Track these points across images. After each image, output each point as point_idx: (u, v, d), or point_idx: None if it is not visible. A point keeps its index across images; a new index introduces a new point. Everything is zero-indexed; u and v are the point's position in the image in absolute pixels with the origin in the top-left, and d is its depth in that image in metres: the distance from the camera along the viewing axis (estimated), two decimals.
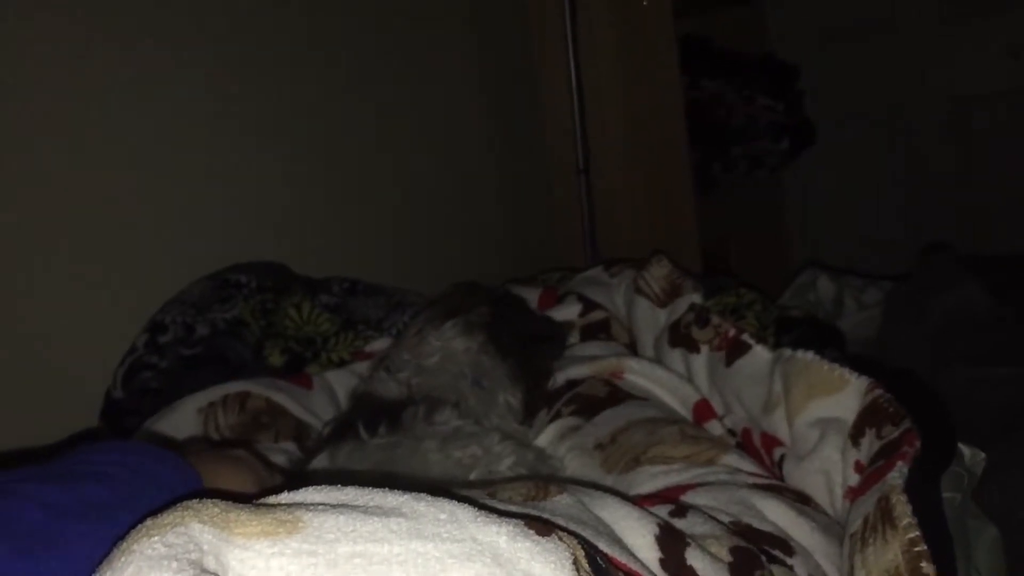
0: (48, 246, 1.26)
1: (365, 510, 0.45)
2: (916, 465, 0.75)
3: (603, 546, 0.57)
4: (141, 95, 1.38)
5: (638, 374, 1.20)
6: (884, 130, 2.82)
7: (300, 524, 0.42)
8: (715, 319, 1.18)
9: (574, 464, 1.05)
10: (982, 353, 1.24)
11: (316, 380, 1.30)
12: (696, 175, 2.24)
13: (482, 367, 1.18)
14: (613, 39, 2.17)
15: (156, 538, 0.37)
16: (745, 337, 1.11)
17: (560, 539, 0.48)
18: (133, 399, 1.23)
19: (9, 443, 1.11)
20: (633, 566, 0.58)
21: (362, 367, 1.33)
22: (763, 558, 0.71)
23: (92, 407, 1.25)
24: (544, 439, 1.14)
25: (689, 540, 0.67)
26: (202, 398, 1.16)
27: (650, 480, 0.95)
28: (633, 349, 1.34)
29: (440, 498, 0.48)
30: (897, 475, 0.74)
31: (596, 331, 1.37)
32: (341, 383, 1.32)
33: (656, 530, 0.66)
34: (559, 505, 0.64)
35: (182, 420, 1.13)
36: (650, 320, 1.31)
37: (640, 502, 0.75)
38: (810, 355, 0.98)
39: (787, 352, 1.02)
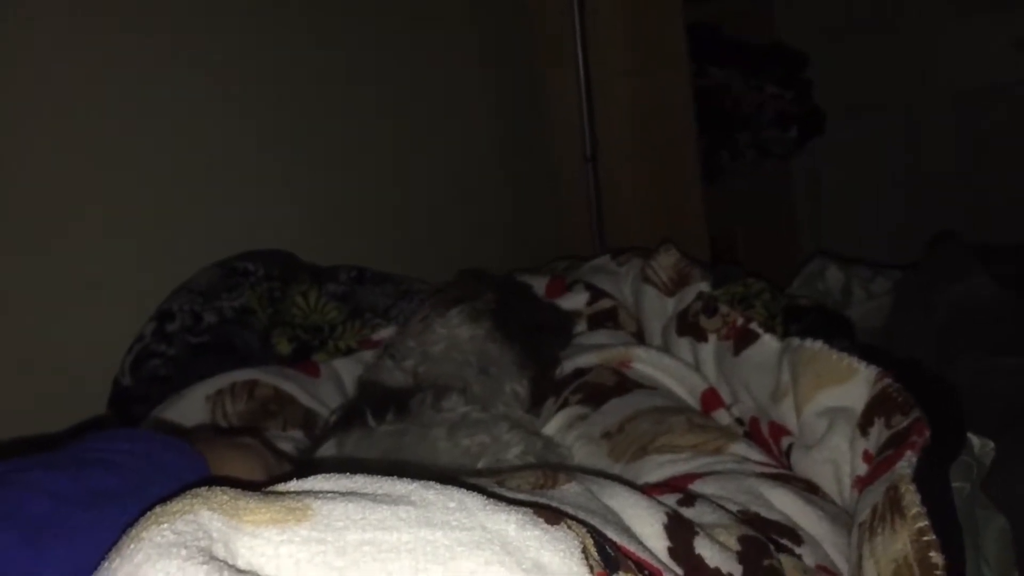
0: (56, 234, 1.26)
1: (374, 498, 0.44)
2: (925, 455, 0.75)
3: (611, 535, 0.57)
4: (149, 85, 1.37)
5: (646, 363, 1.20)
6: (891, 122, 2.81)
7: (309, 512, 0.42)
8: (723, 308, 1.18)
9: (581, 453, 1.05)
10: (991, 343, 1.24)
11: (323, 368, 1.30)
12: (703, 164, 2.23)
13: (488, 355, 1.18)
14: (621, 27, 2.16)
15: (165, 525, 0.37)
16: (753, 326, 1.11)
17: (569, 527, 0.48)
18: (141, 387, 1.23)
19: (17, 431, 1.11)
20: (642, 555, 0.58)
21: (369, 355, 1.33)
22: (771, 547, 0.71)
23: (100, 395, 1.25)
24: (551, 428, 1.14)
25: (697, 529, 0.67)
26: (210, 386, 1.16)
27: (657, 469, 0.95)
28: (640, 338, 1.34)
29: (449, 486, 0.48)
30: (906, 464, 0.73)
31: (603, 320, 1.37)
32: (348, 371, 1.32)
33: (664, 519, 0.66)
34: (568, 494, 0.64)
35: (190, 408, 1.14)
36: (658, 309, 1.31)
37: (648, 491, 0.75)
38: (819, 344, 0.98)
39: (795, 341, 1.02)
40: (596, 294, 1.40)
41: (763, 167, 2.53)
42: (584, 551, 0.47)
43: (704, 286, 1.24)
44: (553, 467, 0.80)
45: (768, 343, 1.07)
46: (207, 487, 0.42)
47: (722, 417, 1.11)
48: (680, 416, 1.04)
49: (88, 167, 1.30)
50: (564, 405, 1.16)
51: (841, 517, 0.84)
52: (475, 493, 0.48)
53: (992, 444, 0.91)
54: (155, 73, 1.38)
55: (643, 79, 2.17)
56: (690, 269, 1.30)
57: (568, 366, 1.24)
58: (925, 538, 0.66)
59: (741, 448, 0.97)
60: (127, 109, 1.35)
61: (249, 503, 0.41)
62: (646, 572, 0.52)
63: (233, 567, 0.37)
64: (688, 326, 1.21)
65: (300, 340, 1.35)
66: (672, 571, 0.60)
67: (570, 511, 0.56)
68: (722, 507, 0.77)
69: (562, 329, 1.33)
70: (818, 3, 2.87)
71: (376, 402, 1.08)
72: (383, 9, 1.79)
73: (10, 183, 1.21)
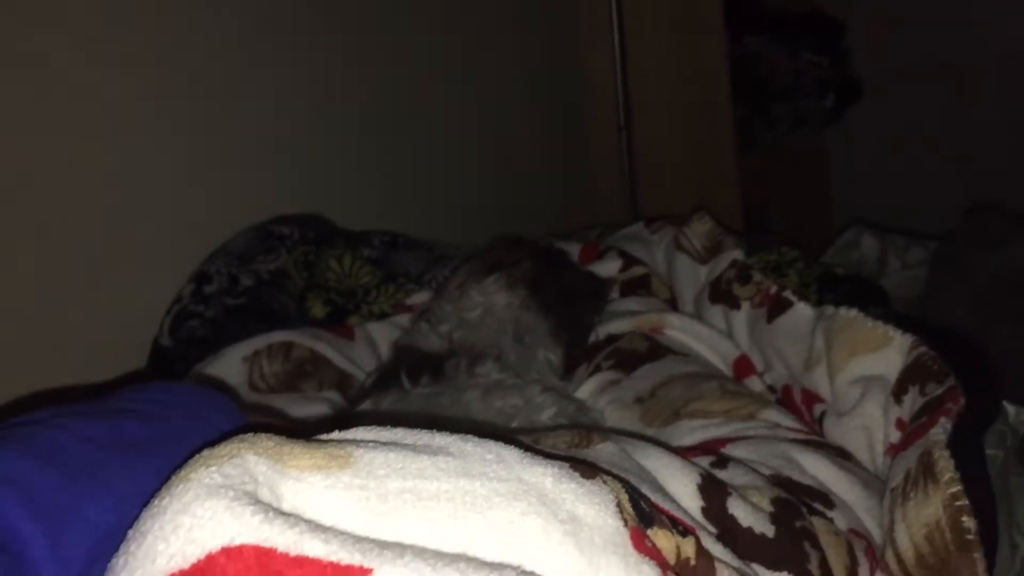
0: (98, 198, 1.28)
1: (414, 448, 0.45)
2: (960, 421, 0.75)
3: (646, 492, 0.57)
4: (180, 50, 1.38)
5: (679, 330, 1.20)
6: (932, 88, 2.76)
7: (351, 459, 0.43)
8: (757, 276, 1.17)
9: (613, 417, 1.06)
10: None
11: (358, 331, 1.31)
12: (738, 133, 2.21)
13: (523, 323, 1.19)
14: None
15: (214, 468, 0.39)
16: (787, 294, 1.10)
17: (604, 482, 0.49)
18: (179, 347, 1.25)
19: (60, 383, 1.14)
20: (676, 513, 0.58)
21: (403, 320, 1.34)
22: (804, 509, 0.71)
23: (141, 354, 1.28)
24: (583, 393, 1.15)
25: (731, 490, 0.67)
26: (247, 347, 1.18)
27: (689, 434, 0.95)
28: (673, 305, 1.34)
29: (487, 439, 0.48)
30: (940, 431, 0.73)
31: (636, 287, 1.37)
32: (382, 335, 1.33)
33: (698, 479, 0.67)
34: (602, 453, 0.65)
35: (227, 368, 1.15)
36: (691, 276, 1.31)
37: (681, 453, 0.75)
38: (853, 312, 0.98)
39: (830, 309, 1.01)
40: (629, 261, 1.40)
41: (799, 136, 2.50)
42: (619, 505, 0.48)
43: (738, 254, 1.24)
44: (587, 428, 0.80)
45: (802, 311, 1.07)
46: (252, 433, 0.43)
47: (754, 384, 1.11)
48: (712, 382, 1.04)
49: (126, 133, 1.32)
50: (596, 371, 1.16)
51: (873, 483, 0.84)
52: (512, 447, 0.48)
53: None
54: (187, 37, 1.39)
55: (678, 47, 2.16)
56: (723, 237, 1.29)
57: (601, 332, 1.24)
58: (958, 503, 0.66)
59: (773, 414, 0.97)
60: (160, 72, 1.36)
61: (293, 449, 0.42)
62: (680, 528, 0.52)
63: (278, 510, 0.38)
64: (721, 293, 1.21)
65: (334, 304, 1.37)
66: (706, 530, 0.61)
67: (605, 468, 0.57)
68: (755, 470, 0.77)
69: (597, 296, 1.33)
70: None
71: (411, 365, 1.09)
72: None
73: (50, 153, 1.23)
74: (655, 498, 0.58)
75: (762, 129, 2.33)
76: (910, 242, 1.59)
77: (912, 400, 0.85)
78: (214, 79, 1.43)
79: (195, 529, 0.36)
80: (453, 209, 1.88)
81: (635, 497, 0.51)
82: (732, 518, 0.65)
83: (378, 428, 0.48)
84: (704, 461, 0.76)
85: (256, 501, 0.38)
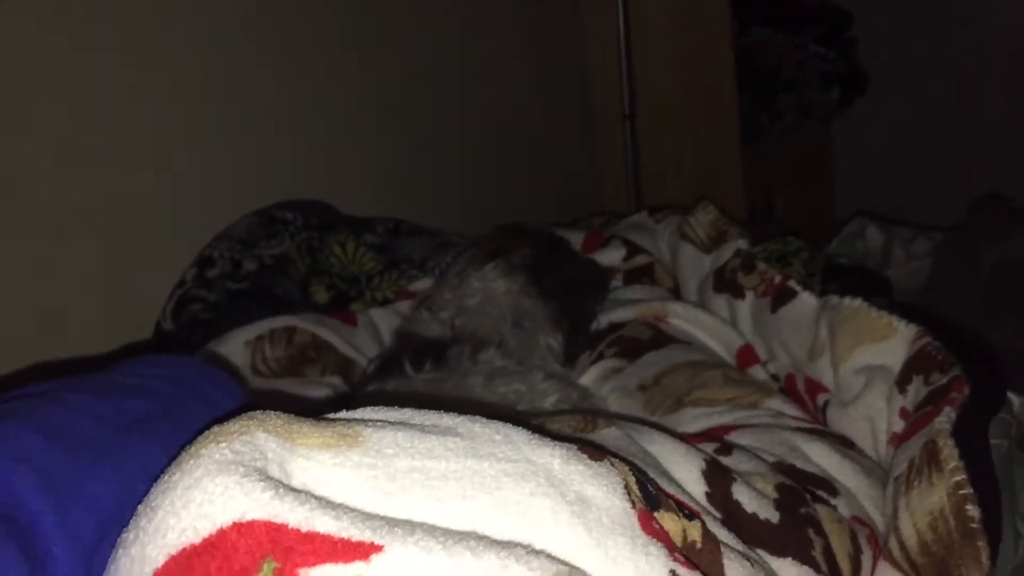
0: (99, 182, 1.28)
1: (422, 428, 0.45)
2: (964, 411, 0.75)
3: (651, 476, 0.57)
4: (184, 32, 1.38)
5: (682, 318, 1.20)
6: (938, 81, 2.75)
7: (360, 438, 0.43)
8: (761, 265, 1.17)
9: (617, 405, 1.06)
10: None
11: (360, 318, 1.31)
12: (743, 124, 2.20)
13: (523, 309, 1.19)
14: None
15: (224, 444, 0.39)
16: (791, 284, 1.10)
17: (612, 465, 0.49)
18: (182, 331, 1.25)
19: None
20: (681, 497, 0.58)
21: (405, 306, 1.35)
22: (808, 497, 0.71)
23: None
24: (586, 380, 1.15)
25: (735, 476, 0.67)
26: (250, 331, 1.18)
27: (693, 421, 0.95)
28: (677, 294, 1.34)
29: (495, 421, 0.48)
30: (945, 419, 0.73)
31: (640, 275, 1.37)
32: (385, 321, 1.33)
33: (703, 465, 0.67)
34: (607, 438, 0.65)
35: (231, 352, 1.15)
36: (695, 265, 1.31)
37: (686, 440, 0.75)
38: (858, 302, 0.97)
39: (834, 299, 1.01)
40: (633, 250, 1.40)
41: (803, 128, 2.49)
42: (626, 487, 0.48)
43: (742, 243, 1.23)
44: (592, 413, 0.80)
45: (806, 300, 1.06)
46: (261, 411, 0.43)
47: (758, 373, 1.11)
48: (716, 370, 1.04)
49: (131, 119, 1.32)
50: (600, 358, 1.16)
51: (876, 471, 0.84)
52: (520, 428, 0.48)
53: None
54: (191, 31, 1.39)
55: (684, 37, 2.15)
56: (728, 226, 1.29)
57: (604, 320, 1.24)
58: (962, 491, 0.66)
59: (777, 403, 0.97)
60: (164, 63, 1.36)
61: (303, 427, 0.42)
62: (686, 512, 0.52)
63: (288, 486, 0.38)
64: (725, 283, 1.21)
65: (337, 289, 1.37)
66: (711, 515, 0.61)
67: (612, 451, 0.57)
68: (759, 457, 0.77)
69: (598, 284, 1.33)
70: None
71: (414, 352, 1.09)
72: None
73: (54, 136, 1.23)
74: (660, 482, 0.58)
75: (767, 120, 2.33)
76: (915, 234, 1.59)
77: (916, 390, 0.85)
78: (219, 68, 1.43)
79: (206, 504, 0.36)
80: (457, 198, 1.88)
81: (642, 480, 0.51)
82: (737, 504, 0.65)
83: (386, 408, 0.48)
84: (708, 448, 0.76)
85: (267, 477, 0.38)
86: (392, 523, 0.37)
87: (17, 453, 0.42)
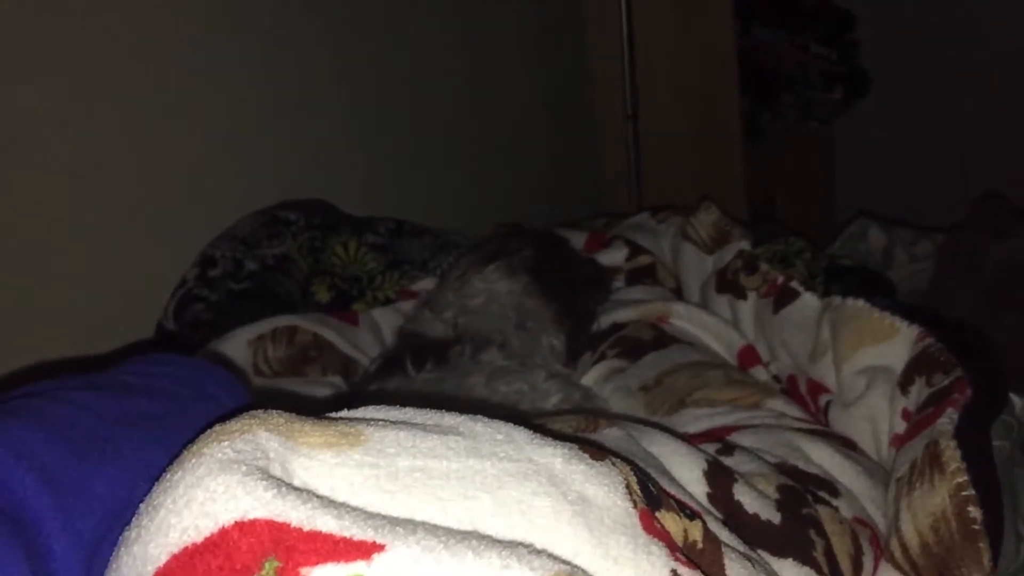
0: (103, 181, 1.28)
1: (424, 428, 0.45)
2: (966, 412, 0.75)
3: (653, 476, 0.57)
4: (187, 37, 1.39)
5: (684, 319, 1.20)
6: (939, 82, 2.75)
7: (362, 437, 0.43)
8: (763, 266, 1.17)
9: (618, 405, 1.06)
10: None
11: (362, 317, 1.31)
12: (745, 124, 2.20)
13: (526, 309, 1.19)
14: None
15: (226, 443, 0.39)
16: (793, 284, 1.10)
17: (613, 464, 0.49)
18: (184, 330, 1.25)
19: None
20: (682, 497, 0.58)
21: (407, 306, 1.34)
22: (809, 497, 0.71)
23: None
24: (588, 380, 1.15)
25: (737, 476, 0.67)
26: (252, 330, 1.17)
27: (694, 422, 0.95)
28: (679, 295, 1.34)
29: (496, 420, 0.48)
30: (947, 421, 0.73)
31: (642, 276, 1.36)
32: (386, 321, 1.33)
33: (704, 465, 0.67)
34: (609, 437, 0.65)
35: (233, 351, 1.15)
36: (697, 266, 1.31)
37: (688, 440, 0.75)
38: (860, 303, 0.97)
39: (836, 300, 1.01)
40: (635, 250, 1.40)
41: (805, 129, 2.49)
42: (628, 487, 0.48)
43: (744, 244, 1.23)
44: (594, 413, 0.80)
45: (808, 301, 1.06)
46: (263, 410, 0.43)
47: (759, 374, 1.11)
48: (718, 371, 1.04)
49: (136, 121, 1.32)
50: (601, 358, 1.16)
51: (878, 472, 0.84)
52: (522, 428, 0.48)
53: None
54: (196, 33, 1.39)
55: (686, 37, 2.15)
56: (730, 227, 1.29)
57: (606, 321, 1.24)
58: (964, 493, 0.66)
59: (779, 404, 0.97)
60: (168, 54, 1.36)
61: (304, 427, 0.42)
62: (687, 511, 0.52)
63: (290, 485, 0.38)
64: (727, 283, 1.21)
65: (339, 289, 1.37)
66: (712, 515, 0.61)
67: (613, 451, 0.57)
68: (760, 458, 0.77)
69: (599, 283, 1.33)
70: None
71: (415, 351, 1.09)
72: None
73: (53, 129, 1.23)
74: (662, 482, 0.58)
75: (769, 120, 2.33)
76: (917, 235, 1.59)
77: (918, 391, 0.85)
78: (221, 68, 1.43)
79: (208, 503, 0.36)
80: (459, 199, 1.88)
81: (643, 480, 0.51)
82: (738, 504, 0.65)
83: (387, 407, 0.48)
84: (710, 448, 0.76)
85: (269, 476, 0.38)
86: (394, 522, 0.37)
87: (20, 450, 0.42)
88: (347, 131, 1.66)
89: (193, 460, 0.38)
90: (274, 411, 0.43)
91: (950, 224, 1.69)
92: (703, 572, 0.47)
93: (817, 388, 1.01)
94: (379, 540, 0.36)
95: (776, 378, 1.10)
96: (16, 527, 0.38)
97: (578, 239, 1.46)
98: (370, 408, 0.48)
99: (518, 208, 1.94)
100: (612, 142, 2.19)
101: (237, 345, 1.16)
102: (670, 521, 0.49)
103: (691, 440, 0.77)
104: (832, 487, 0.78)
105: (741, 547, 0.58)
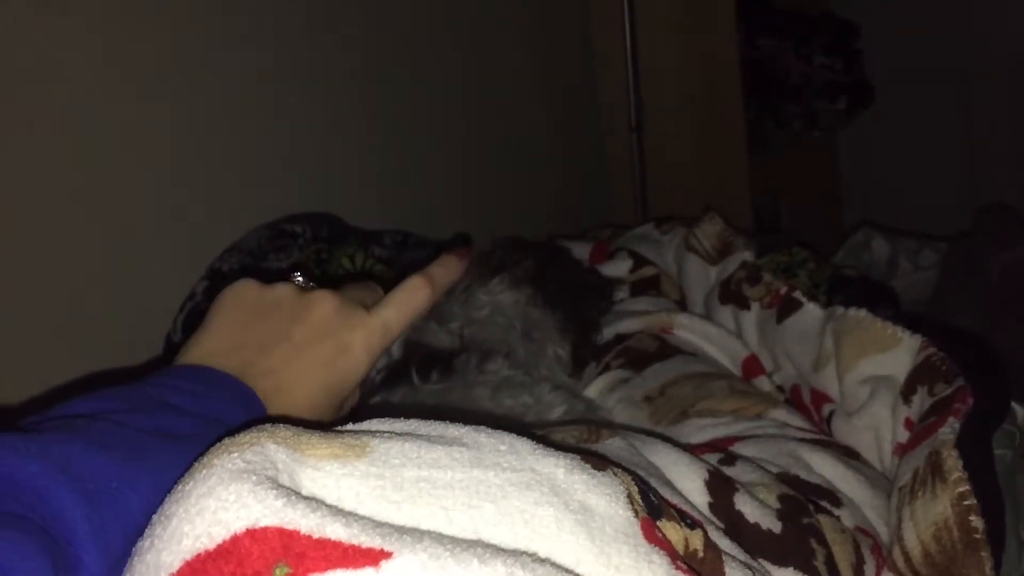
0: (111, 194, 1.29)
1: (428, 439, 0.46)
2: (968, 421, 0.75)
3: (654, 486, 0.58)
4: (192, 43, 1.40)
5: (688, 329, 1.20)
6: (943, 92, 2.76)
7: (368, 449, 0.44)
8: (767, 277, 1.18)
9: (622, 416, 1.07)
10: None
11: None
12: (749, 134, 2.21)
13: (531, 319, 1.19)
14: None
15: (236, 454, 0.39)
16: (797, 295, 1.11)
17: (615, 474, 0.50)
18: None
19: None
20: (684, 507, 0.59)
21: None
22: (811, 507, 0.72)
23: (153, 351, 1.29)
24: (592, 391, 1.15)
25: (738, 486, 0.68)
26: None
27: (698, 432, 0.96)
28: (683, 306, 1.35)
29: (499, 431, 0.49)
30: (949, 430, 0.74)
31: (646, 287, 1.37)
32: None
33: (706, 475, 0.67)
34: (611, 448, 0.66)
35: None
36: (701, 277, 1.32)
37: (689, 450, 0.76)
38: (862, 313, 0.98)
39: (839, 310, 1.02)
40: (639, 261, 1.40)
41: (810, 138, 2.50)
42: (629, 497, 0.48)
43: (748, 255, 1.24)
44: (596, 423, 0.81)
45: (811, 311, 1.07)
46: (271, 423, 0.44)
47: (763, 384, 1.12)
48: (721, 381, 1.05)
49: (143, 134, 1.33)
50: (605, 369, 1.17)
51: (881, 482, 0.85)
52: (525, 439, 0.49)
53: None
54: (200, 44, 1.41)
55: (691, 48, 2.16)
56: (734, 238, 1.30)
57: (610, 332, 1.25)
58: (966, 502, 0.67)
59: (782, 414, 0.98)
60: (176, 66, 1.37)
61: (311, 439, 0.43)
62: (688, 521, 0.53)
63: (299, 494, 0.39)
64: (731, 294, 1.22)
65: None
66: (713, 524, 0.62)
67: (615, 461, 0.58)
68: (762, 467, 0.78)
69: (602, 292, 1.33)
70: None
71: (421, 361, 1.09)
72: None
73: (62, 138, 1.25)
74: (663, 492, 0.59)
75: (773, 130, 2.34)
76: (921, 244, 1.60)
77: (921, 400, 0.86)
78: (228, 81, 1.44)
79: (220, 511, 0.37)
80: (463, 210, 1.89)
81: (645, 489, 0.51)
82: (739, 514, 0.66)
83: (392, 419, 0.49)
84: (712, 458, 0.77)
85: (279, 486, 0.39)
86: (401, 530, 0.38)
87: (55, 460, 0.42)
88: (354, 146, 1.67)
89: (204, 471, 0.39)
90: (281, 424, 0.44)
91: (955, 233, 1.69)
92: None
93: (820, 398, 1.02)
94: (387, 547, 0.36)
95: (780, 388, 1.11)
96: (45, 537, 0.39)
97: (582, 250, 1.47)
98: (375, 420, 0.49)
99: (523, 220, 1.95)
100: (617, 153, 2.20)
101: None
102: (671, 530, 0.50)
103: (694, 450, 0.78)
104: (834, 497, 0.79)
105: (742, 556, 0.59)
